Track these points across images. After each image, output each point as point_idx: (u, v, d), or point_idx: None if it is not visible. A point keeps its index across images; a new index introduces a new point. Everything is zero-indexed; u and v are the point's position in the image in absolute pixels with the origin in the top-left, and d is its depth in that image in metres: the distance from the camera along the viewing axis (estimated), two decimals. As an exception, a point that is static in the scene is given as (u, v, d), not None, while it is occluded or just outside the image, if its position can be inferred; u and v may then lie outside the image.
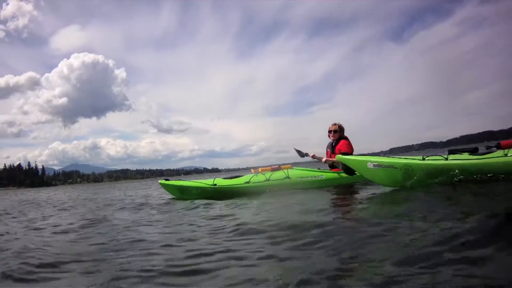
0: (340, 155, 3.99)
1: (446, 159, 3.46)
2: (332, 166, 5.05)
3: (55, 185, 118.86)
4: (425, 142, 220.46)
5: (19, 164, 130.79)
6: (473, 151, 3.50)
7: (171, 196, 5.47)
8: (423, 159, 3.53)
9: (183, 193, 5.18)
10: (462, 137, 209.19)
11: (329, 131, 4.88)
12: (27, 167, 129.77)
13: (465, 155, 3.48)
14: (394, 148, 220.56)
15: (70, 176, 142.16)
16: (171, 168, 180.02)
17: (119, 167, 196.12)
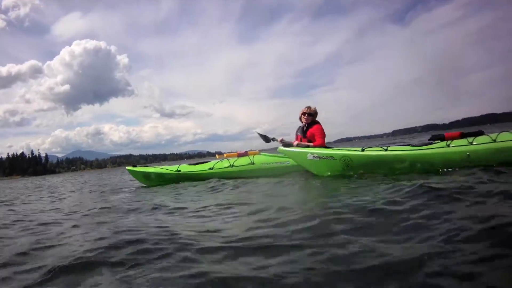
0: (281, 147, 4.21)
1: (386, 150, 3.54)
2: None
3: (59, 172, 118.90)
4: (427, 124, 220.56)
5: (22, 152, 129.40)
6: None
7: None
8: (362, 150, 3.63)
9: (148, 179, 5.28)
10: (464, 119, 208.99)
11: (302, 113, 4.45)
12: (30, 156, 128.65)
13: (408, 147, 3.58)
14: (396, 131, 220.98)
15: (73, 163, 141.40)
16: (175, 152, 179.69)
17: (122, 153, 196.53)
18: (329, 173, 3.75)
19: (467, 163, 3.16)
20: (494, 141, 3.18)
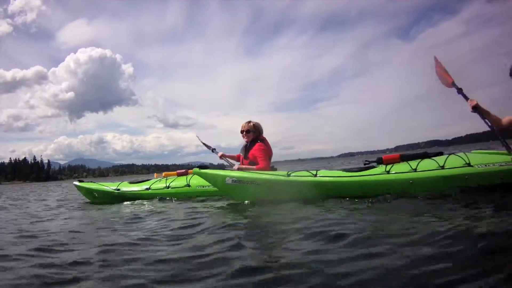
0: (196, 169, 3.58)
1: (315, 175, 3.26)
2: None
3: (61, 179, 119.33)
4: (430, 140, 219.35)
5: (25, 158, 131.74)
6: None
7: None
8: (288, 175, 3.30)
9: (92, 196, 5.18)
10: (467, 135, 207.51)
11: (241, 131, 3.88)
12: (32, 161, 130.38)
13: (340, 173, 3.33)
14: (399, 146, 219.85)
15: (75, 171, 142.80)
16: (177, 163, 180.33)
17: (125, 162, 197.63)
18: (249, 199, 3.38)
19: (409, 190, 2.95)
20: (442, 167, 2.95)
